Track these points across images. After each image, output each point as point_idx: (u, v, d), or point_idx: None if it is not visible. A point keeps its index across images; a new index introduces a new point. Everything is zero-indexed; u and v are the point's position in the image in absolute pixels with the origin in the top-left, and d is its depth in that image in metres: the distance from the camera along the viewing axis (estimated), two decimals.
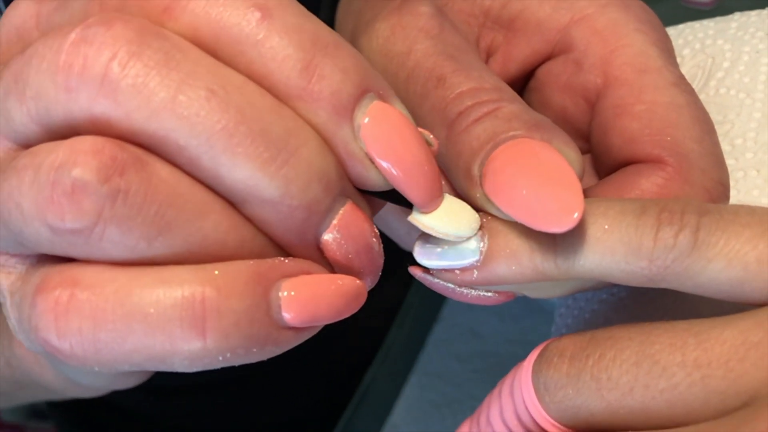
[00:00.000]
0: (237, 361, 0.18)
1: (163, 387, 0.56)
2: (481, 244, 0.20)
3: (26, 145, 0.18)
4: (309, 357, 0.56)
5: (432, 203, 0.19)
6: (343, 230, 0.19)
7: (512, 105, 0.21)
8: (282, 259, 0.18)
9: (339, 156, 0.18)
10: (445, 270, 0.20)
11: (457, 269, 0.20)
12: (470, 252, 0.20)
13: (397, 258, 0.24)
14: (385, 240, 0.27)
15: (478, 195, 0.20)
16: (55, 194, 0.16)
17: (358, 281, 0.19)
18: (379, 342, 0.47)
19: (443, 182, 0.23)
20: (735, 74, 0.26)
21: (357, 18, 0.27)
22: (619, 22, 0.23)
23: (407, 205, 0.20)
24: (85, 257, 0.17)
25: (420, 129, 0.19)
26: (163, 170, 0.17)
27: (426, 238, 0.20)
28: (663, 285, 0.18)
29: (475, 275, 0.20)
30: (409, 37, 0.23)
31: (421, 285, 0.21)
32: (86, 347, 0.17)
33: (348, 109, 0.18)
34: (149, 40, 0.17)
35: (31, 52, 0.17)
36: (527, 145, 0.20)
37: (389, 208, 0.20)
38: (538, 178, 0.19)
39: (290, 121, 0.17)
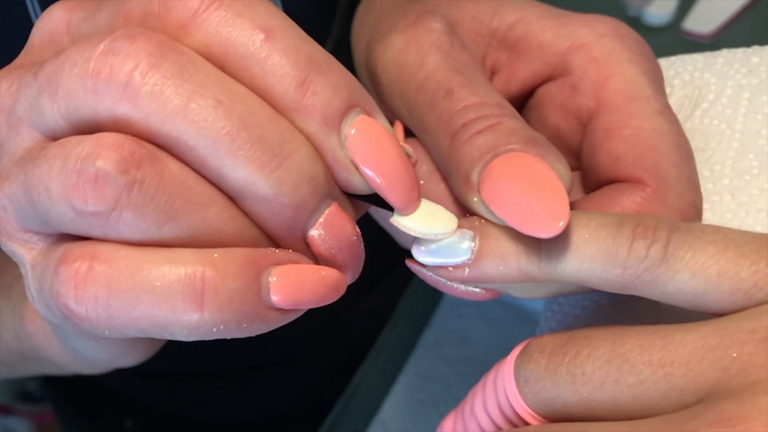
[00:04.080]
0: (229, 334, 0.19)
1: (157, 372, 0.57)
2: (473, 245, 0.21)
3: (54, 137, 0.20)
4: (303, 353, 0.57)
5: (410, 207, 0.21)
6: (328, 228, 0.20)
7: (512, 121, 0.22)
8: (273, 249, 0.20)
9: (327, 162, 0.20)
10: (440, 266, 0.22)
11: (450, 266, 0.21)
12: (463, 251, 0.21)
13: (391, 263, 0.26)
14: (381, 246, 0.28)
15: (475, 199, 0.22)
16: (80, 181, 0.18)
17: (339, 273, 0.21)
18: (372, 342, 0.48)
19: (446, 187, 0.25)
20: (718, 106, 0.27)
21: (373, 29, 0.28)
22: (614, 52, 0.25)
23: (389, 208, 0.21)
24: (102, 237, 0.19)
25: (401, 143, 0.21)
26: (174, 166, 0.19)
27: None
28: (635, 292, 0.20)
29: (466, 272, 0.21)
30: (421, 50, 0.25)
31: (414, 290, 0.23)
32: (100, 312, 0.19)
33: (336, 121, 0.20)
34: (167, 54, 0.18)
35: (63, 57, 0.19)
36: (523, 159, 0.21)
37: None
38: (530, 188, 0.20)
39: (285, 130, 0.19)
